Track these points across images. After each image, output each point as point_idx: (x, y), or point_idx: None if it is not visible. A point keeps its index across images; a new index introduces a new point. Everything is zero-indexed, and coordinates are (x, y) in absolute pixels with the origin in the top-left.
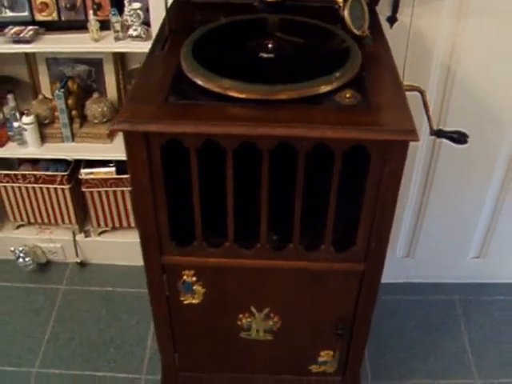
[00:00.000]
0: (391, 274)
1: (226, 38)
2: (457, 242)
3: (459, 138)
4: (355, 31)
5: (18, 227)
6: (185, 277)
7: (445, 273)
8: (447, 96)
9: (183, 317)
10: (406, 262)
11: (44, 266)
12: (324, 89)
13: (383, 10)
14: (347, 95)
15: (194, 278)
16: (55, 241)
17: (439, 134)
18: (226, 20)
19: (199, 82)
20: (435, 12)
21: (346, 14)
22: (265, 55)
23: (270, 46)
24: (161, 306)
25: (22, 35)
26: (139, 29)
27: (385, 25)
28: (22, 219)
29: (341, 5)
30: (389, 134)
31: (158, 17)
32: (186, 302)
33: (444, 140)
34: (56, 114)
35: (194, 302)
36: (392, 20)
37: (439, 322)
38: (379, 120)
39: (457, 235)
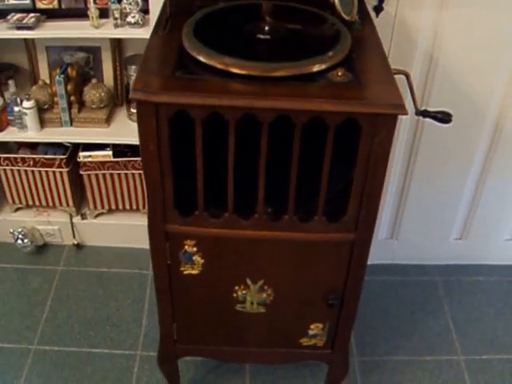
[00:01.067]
0: (375, 255)
1: (224, 20)
2: (439, 223)
3: (443, 117)
4: (345, 16)
5: (17, 210)
6: (186, 247)
7: (428, 254)
8: (429, 82)
9: (183, 287)
10: (389, 243)
11: (42, 248)
12: (318, 67)
13: (370, 0)
14: (339, 73)
15: (195, 249)
16: (53, 223)
17: (424, 113)
18: (224, 4)
19: (202, 59)
20: (419, 2)
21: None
22: (262, 36)
23: (266, 28)
24: (163, 275)
25: (24, 22)
26: (137, 16)
27: (371, 14)
28: (20, 202)
29: None
30: (380, 108)
31: (157, 2)
32: (185, 273)
33: (426, 121)
34: (55, 99)
35: (193, 272)
36: (378, 9)
37: (423, 302)
38: (370, 95)
39: (439, 217)
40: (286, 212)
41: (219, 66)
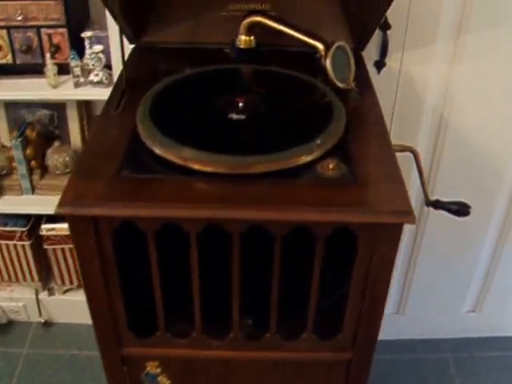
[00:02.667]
0: (380, 331)
1: (190, 93)
2: (450, 296)
3: (460, 209)
4: (339, 84)
5: None
6: (148, 368)
7: (438, 328)
8: (439, 146)
9: None
10: (396, 318)
11: (5, 327)
12: (304, 159)
13: (370, 54)
14: (330, 166)
15: (159, 370)
16: (17, 299)
17: (436, 205)
18: (191, 71)
19: (157, 151)
20: (427, 56)
21: (328, 64)
22: (235, 116)
23: (240, 104)
24: None
25: None
26: (101, 74)
27: (371, 70)
28: None
29: (322, 53)
30: (380, 216)
31: (120, 64)
32: None
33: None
34: (14, 164)
35: None
36: (380, 65)
37: (433, 382)
38: (368, 198)
39: (450, 289)
40: (268, 328)
41: (177, 161)
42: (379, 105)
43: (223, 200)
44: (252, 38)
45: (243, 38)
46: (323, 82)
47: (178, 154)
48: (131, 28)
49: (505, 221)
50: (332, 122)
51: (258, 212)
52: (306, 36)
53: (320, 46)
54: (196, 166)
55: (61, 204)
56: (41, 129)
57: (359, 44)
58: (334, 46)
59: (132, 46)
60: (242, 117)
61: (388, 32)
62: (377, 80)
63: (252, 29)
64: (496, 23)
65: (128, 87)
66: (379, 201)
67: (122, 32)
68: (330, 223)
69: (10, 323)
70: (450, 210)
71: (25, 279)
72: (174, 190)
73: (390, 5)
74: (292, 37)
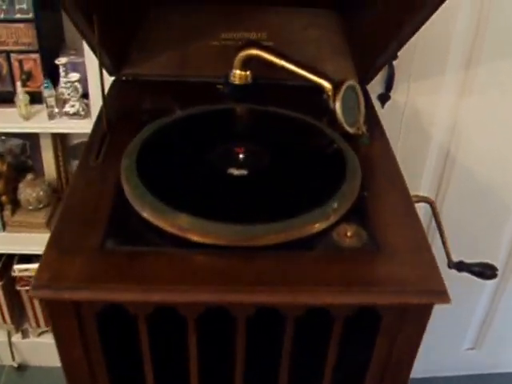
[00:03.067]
0: None
1: (182, 141)
2: (449, 333)
3: (485, 271)
4: (349, 129)
5: None
6: None
7: (435, 366)
8: (445, 180)
9: None
10: None
11: None
12: (318, 227)
13: (374, 87)
14: (348, 233)
15: None
16: None
17: (460, 267)
18: (181, 113)
19: (147, 217)
20: (435, 87)
21: (337, 108)
22: (235, 172)
23: (241, 156)
24: None
25: None
26: (77, 104)
27: (375, 103)
28: None
29: (330, 94)
30: (410, 297)
31: (98, 96)
32: None
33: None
34: None
35: None
36: (384, 98)
37: None
38: (395, 273)
39: (449, 327)
40: None
41: (172, 231)
42: (392, 150)
43: (226, 279)
44: (248, 72)
45: (238, 72)
46: (330, 124)
47: (172, 222)
48: (111, 59)
49: (507, 261)
50: (347, 178)
51: (267, 295)
52: (311, 73)
53: (327, 85)
54: (194, 238)
55: (36, 285)
56: (12, 159)
57: (364, 79)
58: (344, 87)
59: (112, 78)
60: (244, 172)
61: (394, 63)
62: (380, 113)
63: (248, 63)
64: (509, 54)
65: (110, 130)
66: (408, 277)
67: (101, 64)
68: (351, 305)
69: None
70: (474, 273)
71: None
72: (168, 268)
73: (406, 42)
74: (295, 73)
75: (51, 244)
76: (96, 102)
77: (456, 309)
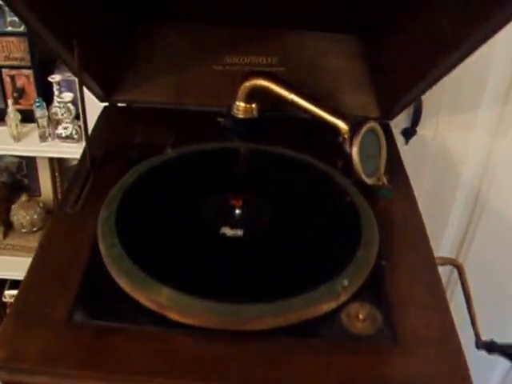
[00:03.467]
0: None
1: (170, 188)
2: None
3: None
4: (367, 181)
5: None
6: None
7: None
8: (474, 222)
9: None
10: None
11: None
12: (325, 309)
13: (398, 121)
14: (360, 315)
15: None
16: None
17: (491, 347)
18: (172, 153)
19: (122, 286)
20: (466, 124)
21: (354, 154)
22: (229, 232)
23: (237, 211)
24: None
25: None
26: (70, 127)
27: (398, 139)
28: None
29: (346, 137)
30: None
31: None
32: None
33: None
34: None
35: None
36: (409, 133)
37: None
38: (414, 372)
39: None
40: None
41: (150, 307)
42: (417, 203)
43: (209, 373)
44: (253, 105)
45: (242, 105)
46: (344, 170)
47: (150, 296)
48: (100, 84)
49: None
50: (361, 243)
51: None
52: (324, 111)
53: (344, 126)
54: (175, 317)
55: None
56: (7, 178)
57: (387, 114)
58: (364, 129)
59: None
60: (239, 232)
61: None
62: (403, 150)
63: (254, 94)
64: None
65: (93, 171)
66: (432, 379)
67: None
68: None
69: None
70: (507, 355)
71: None
72: (142, 353)
73: (438, 81)
74: (306, 110)
75: (13, 312)
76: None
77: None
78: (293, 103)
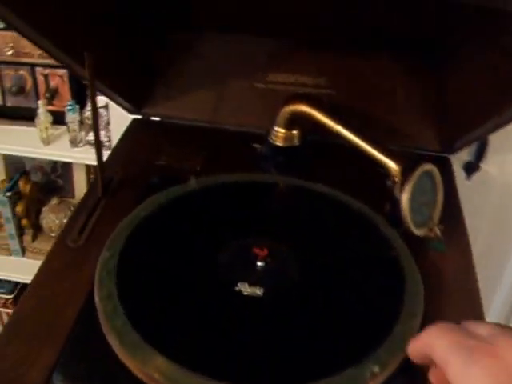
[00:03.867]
0: None
1: (187, 226)
2: None
3: None
4: (416, 232)
5: None
6: None
7: None
8: None
9: None
10: None
11: None
12: None
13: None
14: None
15: None
16: None
17: None
18: (195, 184)
19: (113, 347)
20: None
21: (404, 201)
22: (246, 290)
23: (259, 263)
24: None
25: None
26: (102, 134)
27: (458, 174)
28: None
29: (396, 180)
30: None
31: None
32: None
33: None
34: (2, 220)
35: None
36: (472, 168)
37: None
38: None
39: None
40: None
41: (141, 378)
42: (472, 259)
43: None
44: (295, 132)
45: (282, 131)
46: (391, 218)
47: (144, 367)
48: (127, 97)
49: None
50: (401, 315)
51: None
52: (374, 149)
53: (395, 167)
54: None
55: None
56: (41, 178)
57: (448, 149)
58: (417, 174)
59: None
60: (258, 292)
61: None
62: (463, 185)
63: (295, 119)
64: None
65: (105, 197)
66: None
67: (95, 112)
68: None
69: None
70: None
71: None
72: None
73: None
74: (353, 144)
75: None
76: (117, 136)
77: None
78: (338, 135)
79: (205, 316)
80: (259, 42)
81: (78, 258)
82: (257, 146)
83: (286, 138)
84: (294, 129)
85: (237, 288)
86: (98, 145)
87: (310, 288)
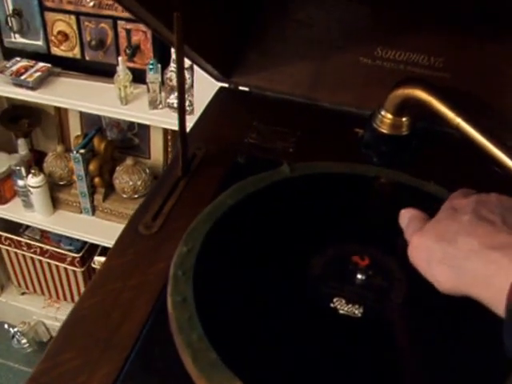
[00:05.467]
0: None
1: (278, 222)
2: None
3: None
4: None
5: (23, 293)
6: None
7: None
8: None
9: None
10: None
11: (46, 345)
12: None
13: None
14: None
15: None
16: (61, 320)
17: None
18: (288, 172)
19: (186, 365)
20: None
21: None
22: (343, 308)
23: (359, 276)
24: None
25: (23, 77)
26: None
27: None
28: (27, 287)
29: None
30: None
31: (202, 97)
32: None
33: None
34: (74, 177)
35: None
36: None
37: None
38: None
39: None
40: None
41: None
42: None
43: None
44: (404, 119)
45: (389, 117)
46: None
47: None
48: (215, 62)
49: None
50: None
51: None
52: (499, 148)
53: None
54: None
55: None
56: (117, 135)
57: None
58: None
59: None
60: (356, 311)
61: None
62: None
63: (406, 105)
64: None
65: (185, 178)
66: None
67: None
68: None
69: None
70: None
71: (73, 301)
72: None
73: None
74: (475, 141)
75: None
76: (200, 101)
77: None
78: (458, 129)
79: (291, 336)
80: (371, 12)
81: (151, 249)
82: (359, 130)
83: (394, 126)
84: (404, 115)
85: (332, 305)
86: (183, 119)
87: (418, 313)
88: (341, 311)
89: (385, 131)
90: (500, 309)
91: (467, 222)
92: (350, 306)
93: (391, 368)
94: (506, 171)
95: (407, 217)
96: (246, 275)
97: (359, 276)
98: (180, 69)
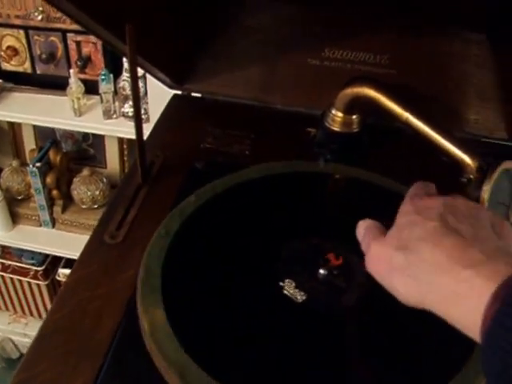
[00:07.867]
0: None
1: (239, 222)
2: None
3: None
4: None
5: None
6: None
7: None
8: None
9: None
10: None
11: (16, 363)
12: None
13: None
14: None
15: None
16: (30, 336)
17: None
18: (253, 173)
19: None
20: None
21: (483, 202)
22: (288, 291)
23: (321, 272)
24: None
25: None
26: None
27: None
28: None
29: (472, 178)
30: None
31: (156, 105)
32: None
33: None
34: (32, 191)
35: None
36: None
37: None
38: None
39: None
40: None
41: None
42: None
43: None
44: (354, 117)
45: (340, 115)
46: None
47: None
48: (166, 71)
49: None
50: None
51: None
52: (447, 141)
53: (471, 163)
54: None
55: None
56: (72, 146)
57: None
58: (497, 172)
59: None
60: (298, 298)
61: None
62: None
63: (356, 104)
64: None
65: (145, 186)
66: None
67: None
68: None
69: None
70: None
71: (40, 316)
72: None
73: None
74: (423, 135)
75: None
76: (154, 109)
77: None
78: (407, 123)
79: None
80: (316, 14)
81: (117, 258)
82: (311, 130)
83: (345, 124)
84: (354, 113)
85: (281, 283)
86: (139, 127)
87: (363, 320)
88: (284, 291)
89: (336, 129)
90: (472, 330)
91: (433, 229)
92: (296, 290)
93: (304, 359)
94: (454, 160)
95: (363, 227)
96: (210, 276)
97: (322, 271)
98: (134, 79)
